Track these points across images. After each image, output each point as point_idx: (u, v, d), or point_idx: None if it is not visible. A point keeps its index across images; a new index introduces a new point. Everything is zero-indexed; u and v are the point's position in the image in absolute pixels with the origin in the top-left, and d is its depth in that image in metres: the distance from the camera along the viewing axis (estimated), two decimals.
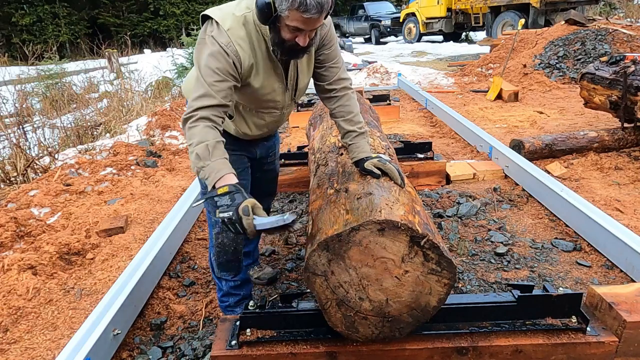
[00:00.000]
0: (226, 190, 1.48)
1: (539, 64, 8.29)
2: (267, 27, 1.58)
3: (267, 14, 1.50)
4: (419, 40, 18.81)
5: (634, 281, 2.34)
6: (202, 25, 1.67)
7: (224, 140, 1.60)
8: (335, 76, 1.86)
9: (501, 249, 2.72)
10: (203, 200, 1.60)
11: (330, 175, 1.97)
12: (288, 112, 1.97)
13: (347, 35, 22.99)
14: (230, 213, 1.43)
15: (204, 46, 1.61)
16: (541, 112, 6.04)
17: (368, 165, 1.75)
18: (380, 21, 21.20)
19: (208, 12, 1.65)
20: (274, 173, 2.34)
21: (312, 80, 1.94)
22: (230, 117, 1.86)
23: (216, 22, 1.59)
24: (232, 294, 2.13)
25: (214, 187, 1.51)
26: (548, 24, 12.73)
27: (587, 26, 8.83)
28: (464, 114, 5.78)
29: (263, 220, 1.44)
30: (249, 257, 2.52)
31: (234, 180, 1.53)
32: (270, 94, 1.77)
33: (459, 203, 3.36)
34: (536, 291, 1.70)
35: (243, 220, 1.42)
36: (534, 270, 2.54)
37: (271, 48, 1.63)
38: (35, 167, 4.63)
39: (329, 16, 1.71)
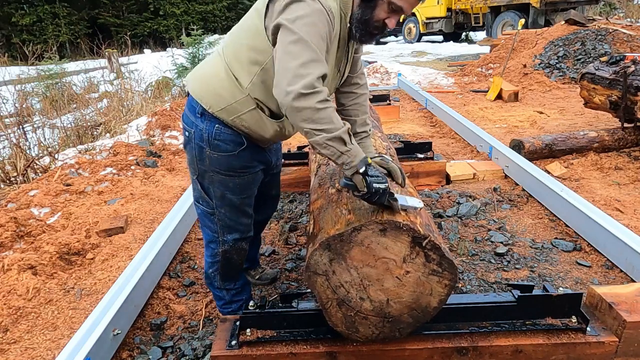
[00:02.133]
0: (373, 164, 1.49)
1: (539, 64, 8.29)
2: (354, 2, 1.47)
3: None
4: (419, 40, 18.81)
5: (634, 281, 2.34)
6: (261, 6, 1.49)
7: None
8: (359, 69, 1.79)
9: (501, 249, 2.72)
10: (351, 175, 1.45)
11: (332, 174, 1.97)
12: None
13: None
14: (386, 185, 1.40)
15: (302, 5, 1.37)
16: (541, 112, 6.04)
17: (372, 164, 1.75)
18: None
19: None
20: (279, 175, 2.24)
21: None
22: (279, 117, 1.64)
23: None
24: (235, 300, 2.10)
25: (367, 164, 1.42)
26: (548, 24, 12.73)
27: (587, 26, 8.83)
28: (464, 114, 5.78)
29: (403, 200, 1.49)
30: (249, 260, 2.50)
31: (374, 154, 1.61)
32: (326, 80, 1.55)
33: (459, 203, 3.36)
34: (536, 291, 1.70)
35: (392, 194, 1.42)
36: (534, 270, 2.54)
37: (350, 25, 1.50)
38: (35, 167, 4.63)
39: None
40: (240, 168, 1.72)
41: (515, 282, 2.28)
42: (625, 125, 4.19)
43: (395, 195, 1.45)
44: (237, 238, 1.90)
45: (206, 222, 1.88)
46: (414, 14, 18.56)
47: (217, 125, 1.64)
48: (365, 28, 1.48)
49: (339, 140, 1.38)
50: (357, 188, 1.41)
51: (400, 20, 19.58)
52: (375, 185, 1.38)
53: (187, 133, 1.72)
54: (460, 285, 2.43)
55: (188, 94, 1.73)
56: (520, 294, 1.68)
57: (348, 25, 1.53)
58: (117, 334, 1.99)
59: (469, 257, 2.71)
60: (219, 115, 1.62)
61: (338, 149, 1.39)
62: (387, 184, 1.41)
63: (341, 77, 1.72)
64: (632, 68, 3.96)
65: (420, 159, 3.75)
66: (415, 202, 1.51)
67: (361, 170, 1.40)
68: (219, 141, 1.65)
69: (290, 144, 4.56)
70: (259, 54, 1.52)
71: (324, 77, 1.38)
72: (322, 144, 1.39)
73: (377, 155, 1.80)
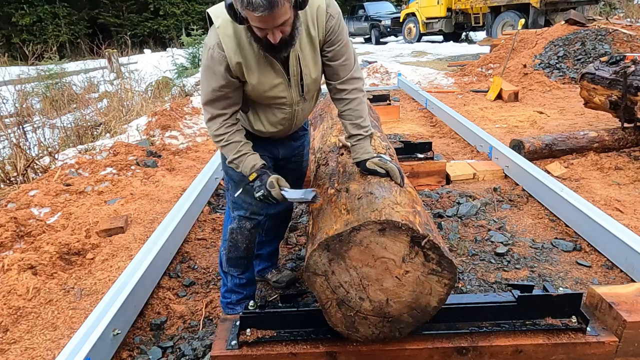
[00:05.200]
0: (255, 176, 1.77)
1: (539, 64, 8.29)
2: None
3: (235, 15, 1.48)
4: (419, 40, 18.80)
5: (634, 281, 2.34)
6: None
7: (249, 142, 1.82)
8: (347, 75, 1.80)
9: (501, 249, 2.72)
10: (241, 191, 1.90)
11: (331, 175, 1.97)
12: (304, 109, 1.88)
13: None
14: (263, 191, 1.72)
15: (203, 56, 1.70)
16: (541, 112, 6.04)
17: (370, 164, 1.75)
18: (380, 21, 21.17)
19: (210, 8, 1.65)
20: (297, 172, 2.23)
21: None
22: (245, 112, 1.88)
23: (211, 19, 1.62)
24: (236, 291, 2.14)
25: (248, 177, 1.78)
26: (548, 24, 12.72)
27: (587, 26, 8.83)
28: (464, 114, 5.78)
29: (291, 194, 1.76)
30: (266, 260, 2.51)
31: (260, 164, 1.78)
32: (271, 90, 1.72)
33: (459, 203, 3.36)
34: (536, 291, 1.70)
35: (272, 192, 1.71)
36: (534, 270, 2.54)
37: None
38: (35, 167, 4.63)
39: (336, 10, 1.67)
40: None
41: (515, 282, 2.28)
42: (625, 125, 4.19)
43: (285, 190, 1.74)
44: (242, 215, 2.01)
45: (226, 197, 2.11)
46: (414, 14, 18.56)
47: None
48: (262, 46, 1.57)
49: (234, 164, 1.83)
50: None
51: (401, 20, 19.62)
52: (257, 194, 1.76)
53: None
54: (460, 285, 2.44)
55: None
56: (520, 294, 1.68)
57: None
58: (117, 334, 1.99)
59: (469, 257, 2.71)
60: None
61: (235, 167, 1.84)
62: (263, 191, 1.74)
63: (300, 85, 1.77)
64: (632, 68, 3.96)
65: (420, 159, 3.75)
66: (305, 194, 1.75)
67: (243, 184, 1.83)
68: None
69: None
70: None
71: (227, 118, 1.77)
72: (231, 165, 1.85)
73: (375, 155, 1.80)
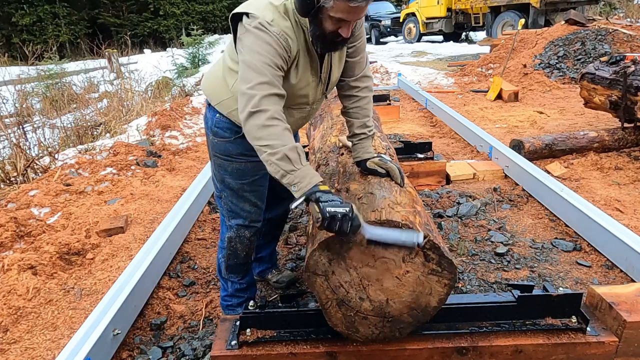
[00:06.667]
0: (328, 189, 1.42)
1: (539, 64, 8.29)
2: (307, 19, 1.49)
3: (309, 6, 1.42)
4: (419, 40, 18.79)
5: (634, 281, 2.34)
6: (233, 25, 1.58)
7: None
8: (361, 72, 1.80)
9: (501, 249, 2.72)
10: (302, 200, 1.42)
11: (331, 175, 1.97)
12: (317, 108, 1.87)
13: None
14: (347, 209, 1.31)
15: (251, 35, 1.48)
16: (541, 112, 6.04)
17: (370, 164, 1.76)
18: (380, 21, 21.17)
19: (240, 9, 1.53)
20: None
21: None
22: None
23: (255, 16, 1.48)
24: (237, 295, 2.12)
25: (319, 190, 1.40)
26: (548, 24, 12.72)
27: (587, 26, 8.83)
28: (464, 114, 5.78)
29: (377, 231, 1.35)
30: (266, 261, 2.49)
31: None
32: (304, 89, 1.67)
33: (459, 203, 3.36)
34: (536, 291, 1.70)
35: (357, 218, 1.34)
36: (534, 270, 2.54)
37: (310, 40, 1.55)
38: (35, 167, 4.63)
39: None
40: (237, 154, 1.82)
41: (515, 282, 2.28)
42: (625, 125, 4.19)
43: (377, 229, 1.34)
44: (240, 224, 1.95)
45: (219, 204, 2.01)
46: (413, 14, 18.56)
47: (217, 115, 1.81)
48: (322, 41, 1.53)
49: (283, 158, 1.42)
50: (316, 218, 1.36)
51: (401, 20, 19.61)
52: (330, 209, 1.30)
53: (204, 122, 1.93)
54: (460, 285, 2.43)
55: None
56: (520, 294, 1.68)
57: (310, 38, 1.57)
58: (117, 334, 1.99)
59: (469, 257, 2.70)
60: (218, 108, 1.80)
61: (282, 167, 1.42)
62: (349, 209, 1.32)
63: (326, 84, 1.75)
64: (632, 68, 3.96)
65: (420, 159, 3.75)
66: (404, 236, 1.34)
67: (312, 197, 1.38)
68: (218, 128, 1.82)
69: None
70: (235, 65, 1.66)
71: (276, 97, 1.47)
72: (267, 160, 1.45)
73: (375, 155, 1.81)
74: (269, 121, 1.43)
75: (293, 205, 1.44)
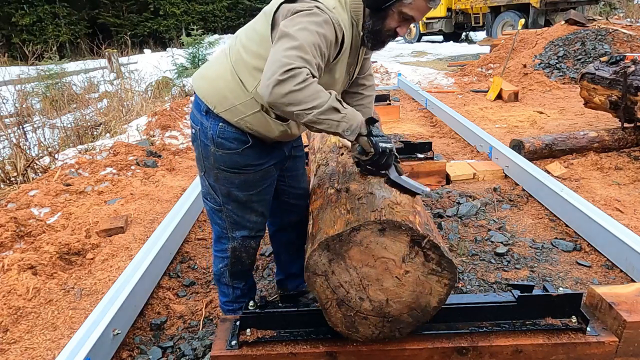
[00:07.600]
0: (369, 129, 1.47)
1: (539, 64, 8.29)
2: (365, 12, 1.46)
3: None
4: (419, 40, 18.80)
5: (634, 281, 2.34)
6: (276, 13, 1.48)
7: None
8: (367, 70, 1.79)
9: (501, 249, 2.72)
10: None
11: (331, 175, 1.97)
12: None
13: None
14: (392, 145, 1.46)
15: (305, 15, 1.37)
16: (541, 112, 6.04)
17: None
18: None
19: None
20: (303, 158, 2.05)
21: None
22: (284, 121, 1.63)
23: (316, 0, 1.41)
24: (239, 301, 2.08)
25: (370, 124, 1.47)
26: (548, 24, 12.73)
27: (587, 26, 8.83)
28: (464, 114, 5.78)
29: (397, 175, 1.53)
30: (299, 276, 2.24)
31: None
32: (336, 84, 1.60)
33: (459, 203, 3.36)
34: (536, 291, 1.70)
35: (392, 157, 1.49)
36: (534, 270, 2.54)
37: (361, 35, 1.51)
38: (35, 167, 4.63)
39: None
40: (245, 166, 1.69)
41: (515, 282, 2.27)
42: (625, 125, 4.19)
43: (394, 172, 1.50)
44: (246, 235, 1.87)
45: (215, 218, 1.87)
46: None
47: (220, 124, 1.63)
48: (377, 37, 1.50)
49: (331, 110, 1.37)
50: (365, 152, 1.44)
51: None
52: (382, 144, 1.41)
53: (193, 130, 1.74)
54: (460, 285, 2.43)
55: (194, 92, 1.73)
56: (520, 294, 1.68)
57: (361, 33, 1.54)
58: (117, 334, 1.99)
59: (469, 257, 2.70)
60: (223, 115, 1.62)
61: (333, 119, 1.38)
62: (392, 144, 1.45)
63: (350, 80, 1.72)
64: (632, 68, 3.96)
65: (420, 159, 3.75)
66: (419, 187, 1.54)
67: (364, 132, 1.43)
68: (222, 139, 1.64)
69: None
70: (264, 62, 1.47)
71: (317, 67, 1.38)
72: (316, 120, 1.36)
73: None
74: (301, 84, 1.31)
75: (355, 152, 1.53)
